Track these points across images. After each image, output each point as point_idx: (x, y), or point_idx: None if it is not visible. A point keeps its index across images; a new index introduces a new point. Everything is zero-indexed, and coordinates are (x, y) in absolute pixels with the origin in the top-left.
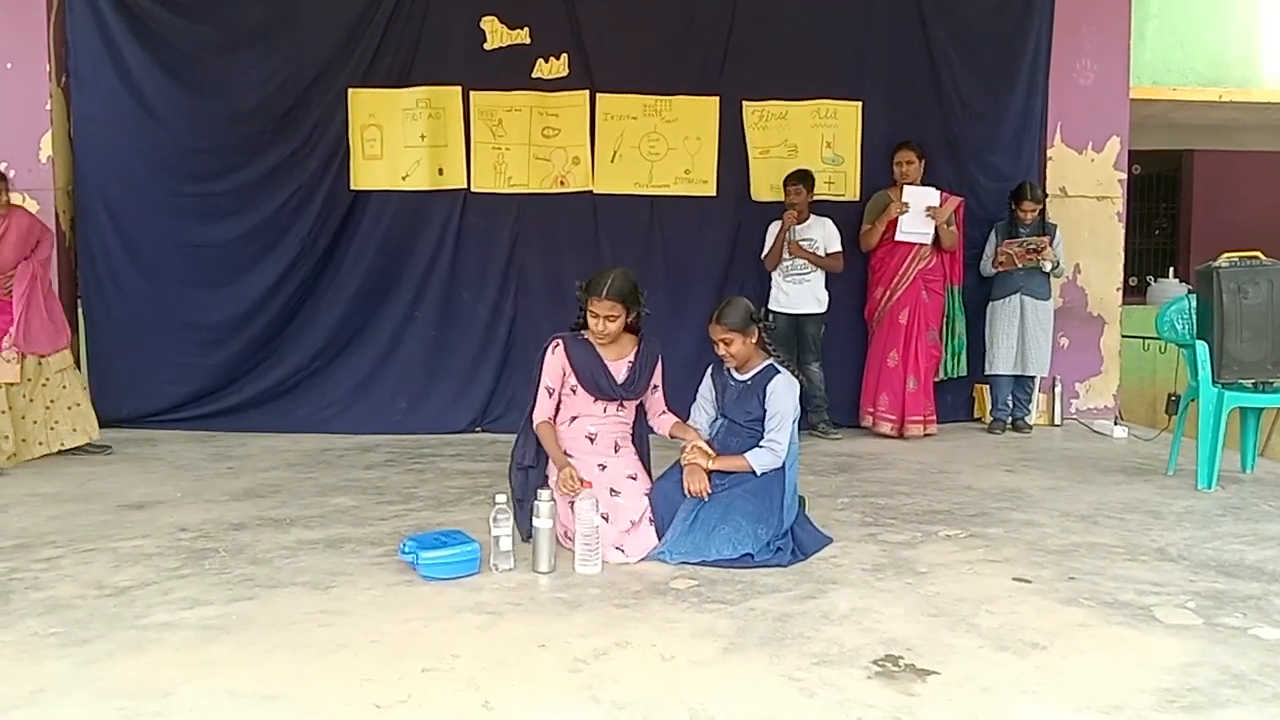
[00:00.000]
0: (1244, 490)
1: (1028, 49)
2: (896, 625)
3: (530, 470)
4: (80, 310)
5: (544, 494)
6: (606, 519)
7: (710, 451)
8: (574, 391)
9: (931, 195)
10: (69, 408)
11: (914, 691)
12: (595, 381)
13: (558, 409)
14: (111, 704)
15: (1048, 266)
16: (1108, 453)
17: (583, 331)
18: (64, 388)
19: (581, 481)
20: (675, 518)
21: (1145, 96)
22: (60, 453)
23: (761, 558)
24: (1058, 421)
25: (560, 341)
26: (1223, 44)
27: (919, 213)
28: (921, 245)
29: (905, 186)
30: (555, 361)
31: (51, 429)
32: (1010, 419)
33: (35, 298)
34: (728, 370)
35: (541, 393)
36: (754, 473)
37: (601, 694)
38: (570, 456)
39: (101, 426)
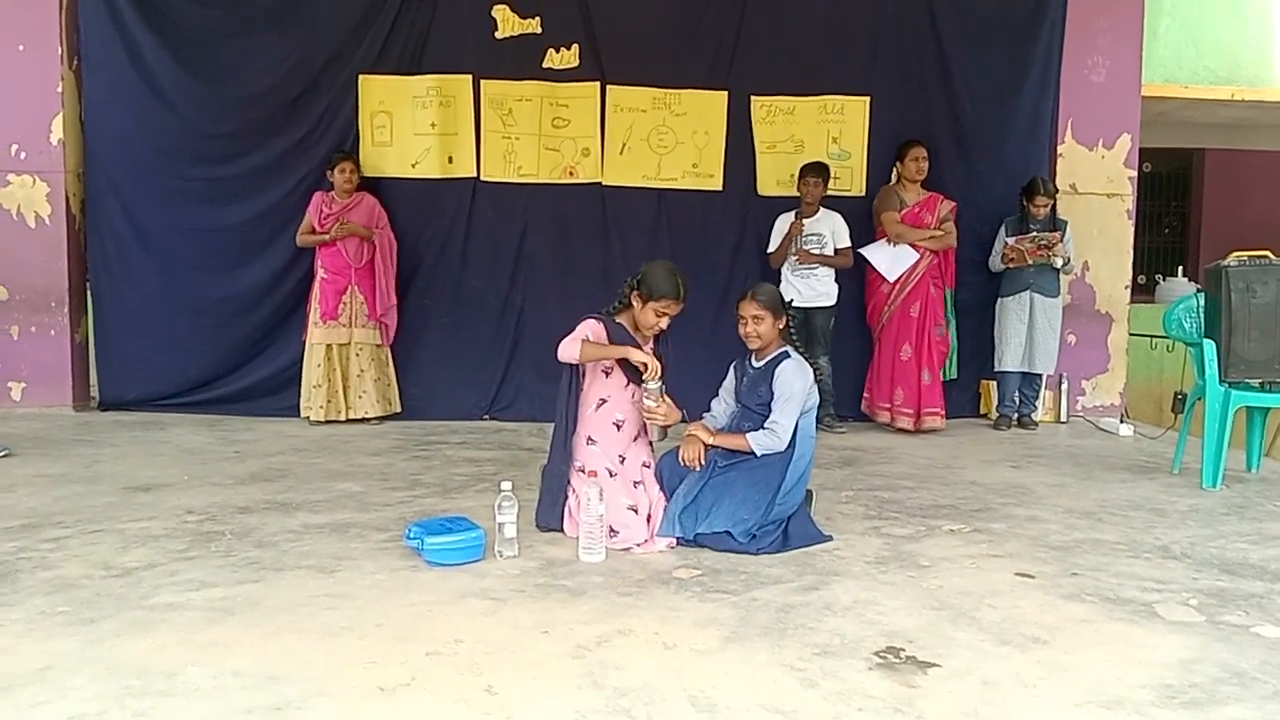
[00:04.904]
0: (1249, 489)
1: (1039, 46)
2: (898, 618)
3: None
4: (89, 293)
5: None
6: (635, 510)
7: (710, 428)
8: (607, 374)
9: (907, 254)
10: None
11: (915, 683)
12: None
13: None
14: (118, 682)
15: (1059, 262)
16: (1113, 450)
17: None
18: (373, 361)
19: (590, 473)
20: (674, 496)
21: (1157, 94)
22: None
23: (740, 539)
24: (1064, 419)
25: (599, 319)
26: (1236, 42)
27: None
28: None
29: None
30: (598, 328)
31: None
32: (1016, 415)
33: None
34: (748, 360)
35: (580, 336)
36: (754, 453)
37: (603, 680)
38: (594, 444)
39: (109, 409)
